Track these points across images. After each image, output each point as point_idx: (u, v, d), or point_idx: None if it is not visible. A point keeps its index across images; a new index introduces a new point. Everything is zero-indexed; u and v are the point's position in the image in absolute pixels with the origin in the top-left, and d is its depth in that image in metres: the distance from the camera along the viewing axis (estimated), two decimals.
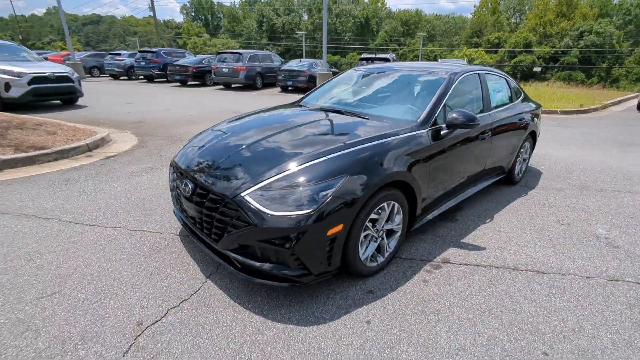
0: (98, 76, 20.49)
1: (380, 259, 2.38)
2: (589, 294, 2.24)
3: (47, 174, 4.17)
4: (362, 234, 2.15)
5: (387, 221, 2.34)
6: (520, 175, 4.21)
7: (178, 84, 16.24)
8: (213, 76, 14.65)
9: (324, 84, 3.74)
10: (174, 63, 15.52)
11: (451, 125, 2.59)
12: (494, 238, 2.92)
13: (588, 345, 1.83)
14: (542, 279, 2.38)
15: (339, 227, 1.93)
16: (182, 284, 2.23)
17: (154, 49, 16.57)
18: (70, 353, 1.70)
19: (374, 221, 2.26)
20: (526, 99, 4.15)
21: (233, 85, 15.33)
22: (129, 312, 1.97)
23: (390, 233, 2.44)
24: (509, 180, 4.10)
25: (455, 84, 2.92)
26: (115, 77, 19.01)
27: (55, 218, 3.06)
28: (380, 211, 2.23)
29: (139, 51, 17.50)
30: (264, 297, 2.13)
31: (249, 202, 1.89)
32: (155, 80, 17.49)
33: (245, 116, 3.06)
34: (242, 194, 1.92)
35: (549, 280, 2.37)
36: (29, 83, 8.17)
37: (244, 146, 2.34)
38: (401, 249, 2.71)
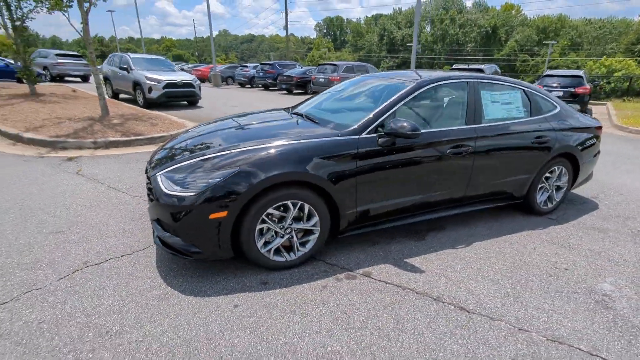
0: (231, 84, 24.24)
1: (292, 257, 2.40)
2: (499, 346, 1.80)
3: (131, 154, 5.40)
4: (261, 226, 2.24)
5: (297, 220, 2.36)
6: (548, 205, 3.41)
7: (285, 92, 17.97)
8: (312, 85, 15.72)
9: (323, 91, 3.81)
10: (283, 74, 17.27)
11: (391, 134, 2.41)
12: (445, 265, 2.54)
13: None
14: (456, 316, 2.01)
15: (223, 214, 2.09)
16: (136, 243, 2.72)
17: (270, 62, 18.79)
18: (34, 269, 2.33)
19: (281, 218, 2.31)
20: (566, 114, 3.32)
21: None
22: (87, 254, 2.54)
23: (306, 233, 2.43)
24: (528, 209, 3.38)
25: (418, 93, 2.65)
26: (242, 85, 22.19)
27: (107, 184, 4.01)
28: (283, 208, 2.27)
29: (260, 63, 20.09)
30: (179, 266, 2.43)
31: (157, 180, 2.23)
32: (269, 88, 19.73)
33: (227, 118, 3.39)
34: (158, 173, 2.28)
35: (464, 320, 1.98)
36: (163, 87, 10.43)
37: (194, 138, 2.71)
38: (331, 254, 2.63)
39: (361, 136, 2.44)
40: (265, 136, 2.51)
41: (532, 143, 3.06)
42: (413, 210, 2.79)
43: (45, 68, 19.01)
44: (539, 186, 3.29)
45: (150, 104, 10.45)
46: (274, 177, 2.13)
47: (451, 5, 47.21)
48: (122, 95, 12.29)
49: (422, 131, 2.64)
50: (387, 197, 2.59)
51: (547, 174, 3.29)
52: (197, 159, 2.25)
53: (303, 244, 2.44)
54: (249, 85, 21.65)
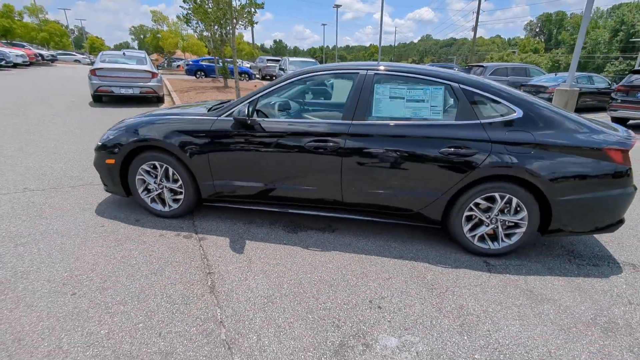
0: None
1: (166, 209, 2.92)
2: (187, 326, 1.79)
3: None
4: (139, 177, 2.86)
5: (168, 180, 2.84)
6: (489, 245, 2.39)
7: None
8: None
9: None
10: None
11: (235, 119, 2.51)
12: (267, 256, 2.42)
13: None
14: (190, 288, 2.05)
15: (112, 161, 2.84)
16: None
17: (433, 64, 17.94)
18: (65, 178, 3.81)
19: (155, 175, 2.86)
20: (540, 123, 2.20)
21: None
22: (98, 179, 3.88)
23: (175, 192, 2.87)
24: (457, 242, 2.50)
25: (287, 83, 2.59)
26: None
27: None
28: (153, 167, 2.81)
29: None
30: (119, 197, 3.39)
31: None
32: None
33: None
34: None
35: (196, 292, 2.01)
36: None
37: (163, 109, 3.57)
38: (207, 218, 2.96)
39: (219, 118, 2.64)
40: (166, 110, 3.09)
41: (441, 153, 2.28)
42: (280, 200, 2.71)
43: (259, 70, 25.15)
44: (466, 214, 2.39)
45: None
46: (134, 141, 2.72)
47: None
48: None
49: (274, 120, 2.60)
50: (243, 178, 2.67)
51: (480, 201, 2.34)
52: (119, 123, 3.09)
53: (176, 201, 2.91)
54: None
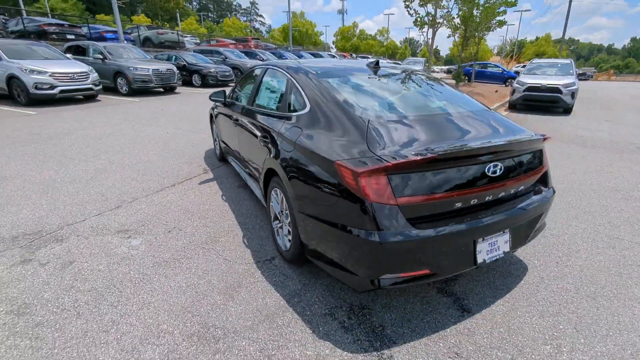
0: None
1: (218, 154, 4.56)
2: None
3: None
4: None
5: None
6: (282, 242, 2.16)
7: None
8: None
9: None
10: None
11: (210, 98, 3.68)
12: (198, 191, 3.47)
13: None
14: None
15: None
16: None
17: None
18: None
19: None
20: (314, 122, 1.77)
21: None
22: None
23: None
24: None
25: (245, 75, 3.36)
26: None
27: None
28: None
29: None
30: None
31: None
32: None
33: None
34: None
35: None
36: (524, 90, 9.80)
37: None
38: (227, 165, 4.30)
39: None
40: None
41: (258, 137, 2.36)
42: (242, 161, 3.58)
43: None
44: (271, 203, 2.29)
45: (511, 105, 10.38)
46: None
47: None
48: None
49: (229, 100, 3.48)
50: (228, 139, 3.76)
51: (274, 193, 2.16)
52: None
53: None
54: None
